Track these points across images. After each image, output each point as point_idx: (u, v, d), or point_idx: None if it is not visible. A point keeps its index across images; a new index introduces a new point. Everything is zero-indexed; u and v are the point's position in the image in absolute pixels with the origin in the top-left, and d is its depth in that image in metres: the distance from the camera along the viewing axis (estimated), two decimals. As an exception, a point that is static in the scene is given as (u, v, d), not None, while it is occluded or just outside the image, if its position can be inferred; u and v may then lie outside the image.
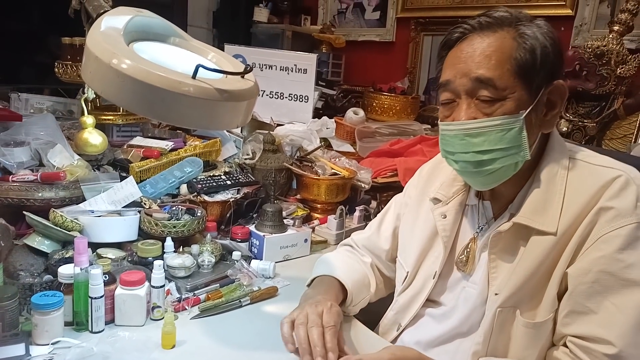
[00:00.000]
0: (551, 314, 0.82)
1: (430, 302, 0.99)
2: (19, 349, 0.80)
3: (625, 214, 0.77)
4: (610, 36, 2.13)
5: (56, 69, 1.91)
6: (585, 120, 2.22)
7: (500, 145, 0.82)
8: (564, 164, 0.86)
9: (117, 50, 0.72)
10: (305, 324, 0.85)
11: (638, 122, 2.09)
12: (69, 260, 0.96)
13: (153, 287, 0.94)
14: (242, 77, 0.80)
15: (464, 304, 0.92)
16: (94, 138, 0.94)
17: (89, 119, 0.94)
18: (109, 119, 1.66)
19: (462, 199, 0.97)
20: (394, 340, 1.01)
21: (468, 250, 0.94)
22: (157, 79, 0.70)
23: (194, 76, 0.72)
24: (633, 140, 2.09)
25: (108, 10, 0.85)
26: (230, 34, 3.67)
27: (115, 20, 0.79)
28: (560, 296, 0.82)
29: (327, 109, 2.75)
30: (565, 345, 0.81)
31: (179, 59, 0.81)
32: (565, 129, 2.25)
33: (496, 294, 0.85)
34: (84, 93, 1.40)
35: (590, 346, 0.77)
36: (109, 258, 1.01)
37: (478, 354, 0.86)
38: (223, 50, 1.99)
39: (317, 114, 2.40)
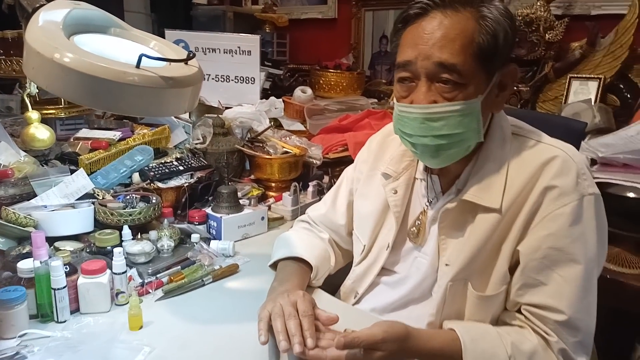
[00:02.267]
0: (502, 287, 0.88)
1: (385, 270, 1.05)
2: (-15, 345, 0.81)
3: (568, 192, 0.83)
4: (538, 4, 2.24)
5: (-9, 65, 1.84)
6: (519, 85, 2.34)
7: (459, 130, 0.84)
8: (507, 142, 0.91)
9: (59, 44, 0.73)
10: (282, 316, 0.84)
11: (567, 83, 2.23)
12: (27, 255, 0.97)
13: (115, 274, 0.96)
14: (186, 63, 0.83)
15: (416, 272, 0.99)
16: (40, 133, 0.94)
17: (34, 114, 0.94)
18: (51, 113, 1.63)
19: (411, 173, 1.02)
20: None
21: (419, 222, 1.00)
22: (102, 70, 0.71)
23: (137, 65, 0.74)
24: (563, 101, 2.24)
25: (44, 4, 0.84)
26: (169, 18, 3.58)
27: (52, 14, 0.79)
28: (511, 270, 0.88)
29: (275, 89, 2.76)
30: (519, 311, 0.89)
31: (121, 50, 0.82)
32: (501, 94, 2.37)
33: (447, 265, 0.91)
34: (21, 88, 1.38)
35: (543, 314, 0.85)
36: (68, 250, 1.02)
37: (433, 325, 0.93)
38: (163, 36, 1.98)
39: (266, 94, 2.41)
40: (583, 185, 0.85)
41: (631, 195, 1.62)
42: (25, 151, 1.20)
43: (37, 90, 0.93)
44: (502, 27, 0.82)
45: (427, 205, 0.99)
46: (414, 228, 1.00)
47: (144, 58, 0.74)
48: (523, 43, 2.29)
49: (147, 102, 0.76)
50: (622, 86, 2.15)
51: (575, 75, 2.21)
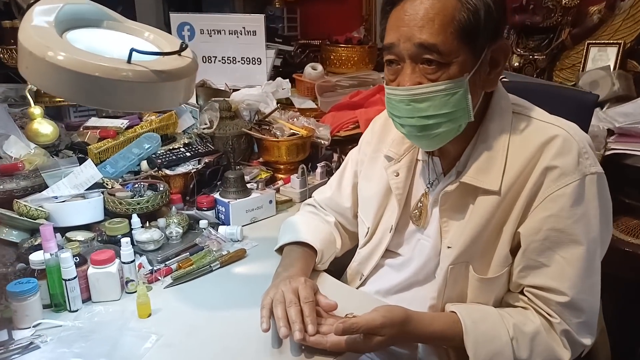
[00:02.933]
0: (504, 269, 0.88)
1: (389, 252, 1.05)
2: (2, 335, 0.85)
3: (568, 172, 0.82)
4: (554, -33, 2.15)
5: (0, 55, 1.87)
6: (535, 54, 2.27)
7: (445, 110, 0.83)
8: (507, 122, 0.89)
9: (51, 43, 0.73)
10: (283, 302, 0.85)
11: (584, 50, 2.15)
12: (39, 247, 0.99)
13: (123, 263, 0.99)
14: (179, 55, 0.82)
15: (419, 255, 0.99)
16: (44, 128, 0.96)
17: (36, 110, 0.95)
18: (62, 101, 1.66)
19: (413, 155, 1.01)
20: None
21: (420, 205, 1.00)
22: (93, 68, 0.71)
23: (129, 60, 0.74)
24: (581, 69, 2.16)
25: (38, 0, 0.84)
26: (179, -3, 3.56)
27: (45, 11, 0.79)
28: (513, 252, 0.88)
29: (286, 66, 2.73)
30: (522, 292, 0.89)
31: (115, 43, 0.82)
32: (516, 64, 2.30)
33: (449, 247, 0.91)
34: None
35: (546, 295, 0.85)
36: (78, 240, 1.05)
37: (435, 308, 0.93)
38: (169, 19, 1.97)
39: (277, 72, 2.39)
40: (585, 164, 0.83)
41: (650, 166, 1.58)
42: (34, 143, 1.22)
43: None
44: (483, 3, 0.80)
45: (428, 188, 0.98)
46: (416, 211, 1.00)
47: (136, 52, 0.74)
48: (538, 9, 2.21)
49: (141, 98, 0.76)
50: (643, 51, 2.07)
51: (594, 42, 2.13)
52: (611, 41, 2.08)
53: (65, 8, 0.81)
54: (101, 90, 0.73)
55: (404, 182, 1.00)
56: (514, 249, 0.88)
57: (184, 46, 0.82)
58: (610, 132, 1.73)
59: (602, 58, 2.11)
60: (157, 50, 0.83)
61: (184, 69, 0.81)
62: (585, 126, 1.17)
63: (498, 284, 0.89)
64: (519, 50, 2.31)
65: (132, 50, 0.74)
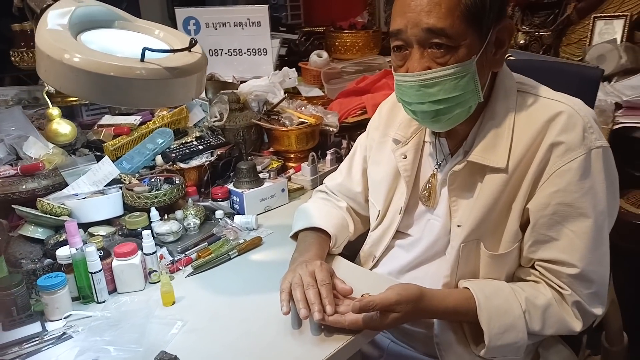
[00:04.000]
0: (515, 245, 0.90)
1: (400, 233, 1.08)
2: (35, 327, 0.89)
3: (574, 146, 0.84)
4: (557, -60, 2.13)
5: (12, 58, 1.90)
6: (541, 30, 2.26)
7: (455, 93, 0.84)
8: (512, 100, 0.90)
9: (66, 45, 0.76)
10: (301, 286, 0.88)
11: (591, 24, 2.14)
12: (64, 242, 1.04)
13: (145, 254, 1.03)
14: (189, 51, 0.85)
15: (429, 234, 1.01)
16: (62, 128, 0.99)
17: (54, 111, 0.99)
18: (74, 101, 1.69)
19: (420, 137, 1.03)
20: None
21: (429, 185, 1.02)
22: (109, 68, 0.74)
23: (142, 59, 0.77)
24: (588, 44, 2.15)
25: (50, 4, 0.87)
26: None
27: (58, 15, 0.82)
28: (523, 228, 0.90)
29: (291, 54, 2.73)
30: (533, 267, 0.92)
31: (127, 43, 0.84)
32: (522, 41, 2.30)
33: (459, 226, 0.93)
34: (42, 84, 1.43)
35: (556, 268, 0.87)
36: (101, 235, 1.09)
37: (448, 285, 0.96)
38: (174, 14, 1.98)
39: (283, 61, 2.40)
40: (590, 138, 0.85)
41: (659, 138, 1.58)
42: (53, 143, 1.26)
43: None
44: None
45: (436, 168, 1.00)
46: (425, 191, 1.02)
47: (148, 51, 0.77)
48: (543, -15, 2.20)
49: (155, 94, 0.79)
50: (650, 22, 2.05)
51: (600, 15, 2.11)
52: (617, 14, 2.06)
53: (77, 11, 0.83)
54: (117, 89, 0.76)
55: (411, 164, 1.02)
56: (524, 225, 0.90)
57: (193, 42, 0.85)
58: (618, 106, 1.73)
59: (608, 31, 2.10)
60: (168, 47, 0.86)
61: (194, 64, 0.83)
62: (591, 101, 1.18)
63: (509, 260, 0.92)
64: (524, 27, 2.30)
65: (144, 49, 0.77)
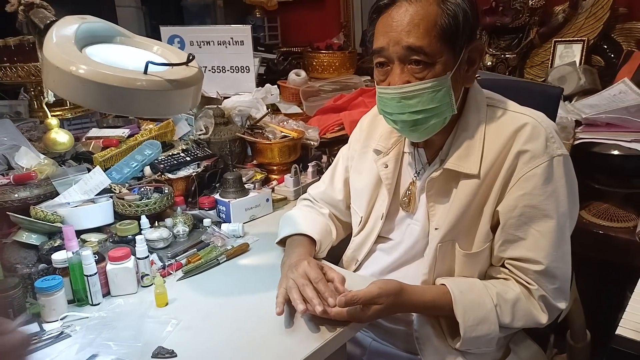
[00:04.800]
0: (486, 244, 0.99)
1: (381, 238, 1.15)
2: (33, 328, 0.92)
3: (538, 154, 0.93)
4: (519, -29, 2.29)
5: (-5, 73, 1.92)
6: (506, 53, 2.41)
7: (432, 105, 0.94)
8: (482, 113, 1.00)
9: (74, 58, 0.81)
10: (296, 287, 0.94)
11: (552, 48, 2.30)
12: (58, 248, 1.07)
13: (139, 258, 1.07)
14: (187, 65, 0.91)
15: (409, 237, 1.09)
16: (60, 137, 1.04)
17: (53, 120, 1.04)
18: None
19: (399, 148, 1.11)
20: (353, 273, 1.18)
21: (409, 192, 1.10)
22: (114, 79, 0.80)
23: (145, 72, 0.83)
24: (550, 65, 2.30)
25: (53, 20, 0.93)
26: (160, 10, 3.61)
27: (64, 30, 0.87)
28: (493, 229, 0.99)
29: (269, 73, 2.82)
30: (503, 265, 1.00)
31: (128, 57, 0.91)
32: (490, 63, 2.43)
33: (436, 229, 1.01)
34: (27, 93, 1.46)
35: (524, 265, 0.96)
36: (93, 241, 1.13)
37: (426, 282, 1.03)
38: (159, 32, 2.05)
39: (261, 79, 2.48)
40: (552, 147, 0.94)
41: (615, 152, 1.71)
42: (43, 154, 1.30)
43: (54, 99, 1.02)
44: (461, 8, 0.91)
45: (415, 176, 1.09)
46: (405, 198, 1.10)
47: (151, 64, 0.83)
48: (507, 11, 2.34)
49: (156, 104, 0.85)
50: (605, 46, 2.21)
51: (560, 39, 2.26)
52: (576, 38, 2.22)
53: (82, 26, 0.89)
54: (122, 98, 0.81)
55: (392, 173, 1.10)
56: (494, 226, 0.98)
57: (191, 57, 0.92)
58: (578, 123, 1.86)
59: (568, 54, 2.26)
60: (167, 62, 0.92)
61: (192, 77, 0.90)
62: (552, 116, 1.29)
63: (481, 258, 1.00)
64: (491, 50, 2.45)
65: (148, 62, 0.83)
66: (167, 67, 0.88)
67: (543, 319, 0.96)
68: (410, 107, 0.94)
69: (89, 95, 0.81)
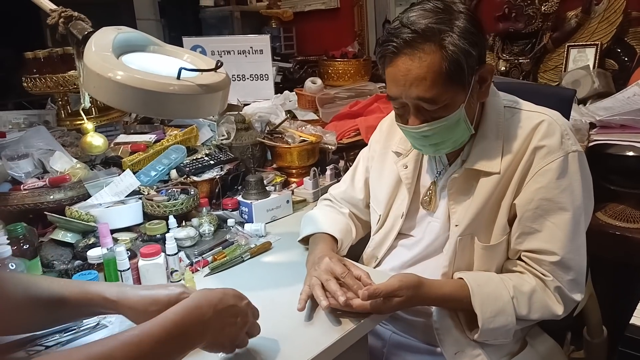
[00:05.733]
0: (503, 237, 1.03)
1: (402, 235, 1.19)
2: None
3: (554, 150, 0.98)
4: (532, -23, 2.33)
5: (25, 84, 2.01)
6: (520, 58, 2.44)
7: (450, 136, 1.01)
8: (501, 115, 1.05)
9: (112, 65, 0.87)
10: (319, 284, 0.97)
11: (565, 52, 2.33)
12: (92, 245, 1.13)
13: (168, 255, 1.12)
14: (215, 71, 0.97)
15: (430, 234, 1.13)
16: (96, 140, 1.10)
17: (89, 125, 1.10)
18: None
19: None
20: (373, 269, 1.22)
21: (430, 192, 1.14)
22: (149, 84, 0.86)
23: (178, 77, 0.89)
24: (563, 70, 2.33)
25: (91, 31, 0.99)
26: (179, 22, 3.72)
27: (102, 40, 0.94)
28: (510, 222, 1.03)
29: (286, 82, 2.89)
30: (519, 258, 1.04)
31: (161, 64, 0.97)
32: (503, 68, 2.47)
33: (456, 225, 1.06)
34: (54, 103, 1.54)
35: (539, 257, 1.00)
36: (126, 238, 1.19)
37: (446, 275, 1.07)
38: (181, 42, 2.12)
39: (278, 88, 2.54)
40: (567, 144, 0.98)
41: (630, 154, 1.72)
42: (75, 158, 1.36)
43: (90, 104, 1.08)
44: (461, 50, 0.92)
45: (436, 176, 1.13)
46: (426, 197, 1.14)
47: (184, 70, 0.89)
48: (520, 17, 2.38)
49: (187, 107, 0.91)
50: (619, 50, 2.24)
51: (573, 44, 2.30)
52: (589, 43, 2.25)
53: (118, 36, 0.96)
54: (157, 102, 0.87)
55: (412, 173, 1.15)
56: (511, 219, 1.03)
57: (219, 64, 0.97)
58: (592, 126, 1.89)
59: (581, 59, 2.28)
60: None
61: (221, 82, 0.95)
62: (565, 118, 1.32)
63: (499, 251, 1.04)
64: (504, 55, 2.48)
65: (181, 68, 0.89)
66: (198, 73, 0.94)
67: (559, 310, 0.99)
68: (429, 139, 1.01)
69: (126, 99, 0.87)
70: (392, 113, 1.26)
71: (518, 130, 1.02)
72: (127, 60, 0.94)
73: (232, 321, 0.80)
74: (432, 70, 0.93)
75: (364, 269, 1.02)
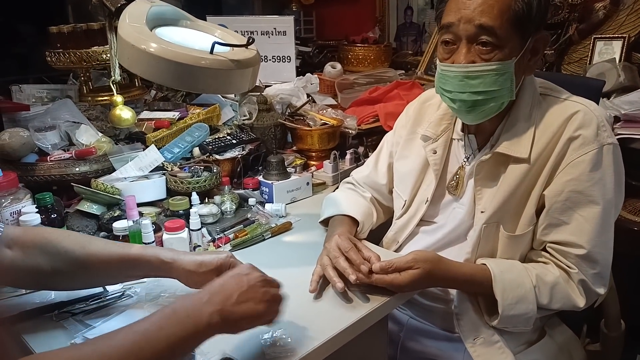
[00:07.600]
0: (530, 227, 1.01)
1: (424, 221, 1.18)
2: (98, 288, 1.00)
3: (589, 141, 0.96)
4: (560, -33, 2.29)
5: (48, 58, 2.02)
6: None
7: (494, 87, 0.96)
8: (535, 100, 1.03)
9: (146, 37, 0.88)
10: (330, 264, 0.99)
11: (591, 44, 2.29)
12: (117, 217, 1.15)
13: (192, 230, 1.14)
14: (247, 47, 0.97)
15: (453, 221, 1.12)
16: (125, 113, 1.11)
17: (118, 98, 1.11)
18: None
19: (448, 135, 1.15)
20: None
21: (457, 177, 1.13)
22: (183, 57, 0.86)
23: (211, 51, 0.89)
24: (588, 62, 2.29)
25: (125, 3, 1.00)
26: (199, 2, 3.70)
27: (136, 12, 0.94)
28: (538, 213, 1.01)
29: (305, 66, 2.88)
30: (545, 249, 1.03)
31: (193, 38, 0.97)
32: (527, 59, 2.44)
33: (482, 212, 1.04)
34: (75, 79, 1.54)
35: (565, 249, 0.98)
36: (152, 212, 1.20)
37: (469, 261, 1.07)
38: (205, 20, 2.12)
39: (297, 72, 2.54)
40: (603, 135, 0.96)
41: (654, 149, 1.70)
42: (101, 132, 1.38)
43: (120, 78, 1.09)
44: None
45: (464, 161, 1.12)
46: (453, 182, 1.13)
47: (218, 44, 0.89)
48: (547, 7, 2.34)
49: (219, 82, 0.91)
50: (646, 44, 2.20)
51: (600, 36, 2.25)
52: (616, 35, 2.21)
53: (152, 9, 0.96)
54: (190, 75, 0.88)
55: (440, 158, 1.13)
56: (539, 210, 1.01)
57: (250, 41, 0.97)
58: (616, 119, 1.86)
59: (607, 51, 2.24)
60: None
61: (252, 59, 0.96)
62: (594, 108, 1.30)
63: (524, 241, 1.03)
64: (528, 46, 2.45)
65: (214, 42, 0.89)
66: (230, 48, 0.94)
67: (580, 302, 0.99)
68: (471, 87, 0.96)
69: (159, 71, 0.87)
70: (420, 97, 1.26)
71: (552, 118, 1.00)
72: (160, 33, 0.94)
73: (240, 287, 0.77)
74: (502, 1, 0.91)
75: (382, 252, 1.02)
